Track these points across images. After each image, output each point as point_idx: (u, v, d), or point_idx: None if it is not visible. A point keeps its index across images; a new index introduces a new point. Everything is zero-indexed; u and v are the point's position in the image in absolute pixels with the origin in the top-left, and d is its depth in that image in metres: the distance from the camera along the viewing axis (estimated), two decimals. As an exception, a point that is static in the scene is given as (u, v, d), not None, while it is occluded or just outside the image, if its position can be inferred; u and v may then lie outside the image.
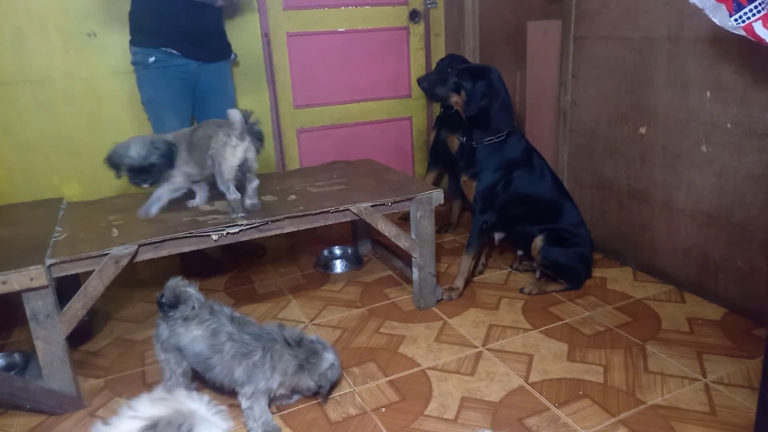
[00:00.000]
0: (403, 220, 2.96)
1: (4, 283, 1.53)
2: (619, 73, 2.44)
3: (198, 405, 1.08)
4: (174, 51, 2.42)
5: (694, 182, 2.20)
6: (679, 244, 2.32)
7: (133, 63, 2.48)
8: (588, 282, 2.42)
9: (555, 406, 1.66)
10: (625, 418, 1.60)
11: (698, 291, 2.27)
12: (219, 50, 2.61)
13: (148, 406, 1.05)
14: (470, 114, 2.25)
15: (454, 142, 2.84)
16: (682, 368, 1.82)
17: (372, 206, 2.06)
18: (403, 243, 2.16)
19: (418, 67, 3.56)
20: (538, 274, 2.46)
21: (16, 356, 2.00)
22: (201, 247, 1.88)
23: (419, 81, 2.62)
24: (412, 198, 2.12)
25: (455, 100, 2.30)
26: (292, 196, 2.16)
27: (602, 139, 2.59)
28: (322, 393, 1.67)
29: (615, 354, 1.91)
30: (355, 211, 2.04)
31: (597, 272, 2.50)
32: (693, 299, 2.26)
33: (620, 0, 2.37)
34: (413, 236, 2.17)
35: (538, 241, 2.29)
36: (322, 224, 2.03)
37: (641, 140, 2.39)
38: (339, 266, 2.70)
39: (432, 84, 2.46)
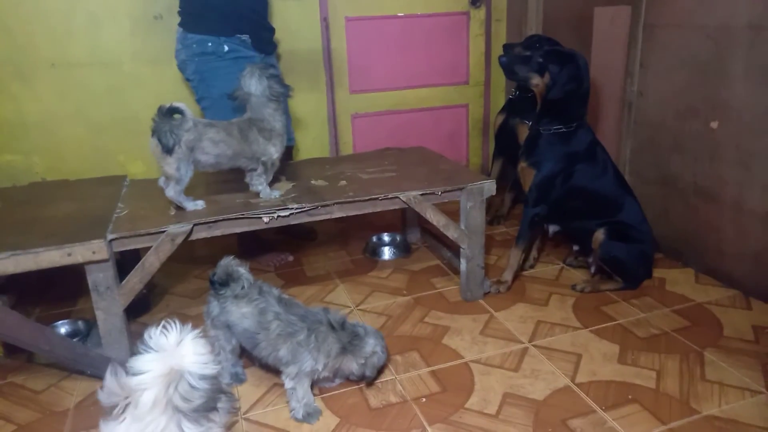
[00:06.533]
0: None
1: (69, 254, 1.62)
2: (691, 63, 2.30)
3: (186, 351, 1.11)
4: (247, 39, 2.34)
5: (769, 182, 2.06)
6: (747, 247, 2.17)
7: (200, 54, 2.28)
8: (645, 282, 2.32)
9: (602, 409, 1.61)
10: (677, 427, 1.53)
11: (767, 297, 2.13)
12: (273, 41, 2.53)
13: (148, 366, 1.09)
14: (553, 98, 2.14)
15: (525, 130, 2.60)
16: (743, 379, 1.71)
17: (421, 195, 2.05)
18: (451, 233, 2.13)
19: (477, 54, 3.49)
20: (592, 270, 2.37)
21: (80, 324, 2.13)
22: (253, 228, 1.92)
23: (504, 48, 2.40)
24: (463, 188, 2.08)
25: (536, 82, 2.18)
26: (343, 182, 2.17)
27: (669, 133, 2.46)
28: (368, 378, 1.70)
29: (670, 359, 1.83)
30: (404, 199, 2.02)
31: (656, 273, 2.39)
32: (760, 306, 2.12)
33: (697, -15, 2.22)
34: (462, 227, 2.14)
35: (600, 235, 2.20)
36: (370, 211, 2.03)
37: (712, 135, 2.25)
38: (387, 253, 2.71)
39: (512, 61, 2.22)
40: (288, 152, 2.66)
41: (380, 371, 1.76)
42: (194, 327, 1.19)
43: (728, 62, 2.14)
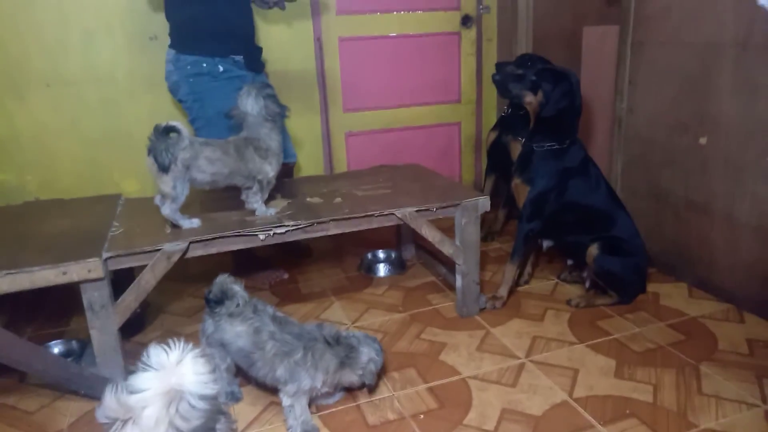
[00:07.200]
0: None
1: (64, 273, 1.61)
2: (679, 79, 2.35)
3: (186, 371, 1.10)
4: (240, 59, 2.37)
5: (759, 194, 2.09)
6: (739, 259, 2.20)
7: (195, 75, 2.29)
8: (639, 297, 2.33)
9: (600, 424, 1.60)
10: (675, 441, 1.53)
11: (760, 311, 2.15)
12: (262, 60, 2.56)
13: (149, 384, 1.07)
14: (546, 115, 2.18)
15: (517, 147, 2.65)
16: (740, 392, 1.72)
17: (416, 211, 2.06)
18: (447, 249, 2.14)
19: (469, 73, 3.54)
20: (587, 284, 2.38)
21: (74, 343, 2.10)
22: (249, 246, 1.92)
23: (497, 67, 2.47)
24: (458, 204, 2.10)
25: (529, 100, 2.22)
26: (338, 199, 2.18)
27: (659, 148, 2.49)
28: (369, 386, 1.73)
29: (666, 373, 1.83)
30: (399, 215, 2.04)
31: (650, 287, 2.40)
32: (753, 320, 2.14)
33: (683, 4, 2.28)
34: (457, 243, 2.15)
35: (594, 250, 2.22)
36: (366, 227, 2.04)
37: (702, 150, 2.29)
38: (382, 270, 2.71)
39: (506, 79, 2.27)
40: (289, 169, 2.66)
41: (379, 376, 1.77)
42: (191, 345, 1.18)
43: (715, 78, 2.19)
